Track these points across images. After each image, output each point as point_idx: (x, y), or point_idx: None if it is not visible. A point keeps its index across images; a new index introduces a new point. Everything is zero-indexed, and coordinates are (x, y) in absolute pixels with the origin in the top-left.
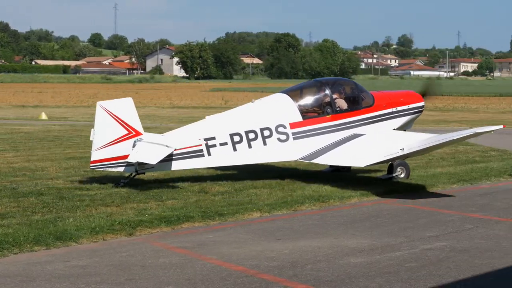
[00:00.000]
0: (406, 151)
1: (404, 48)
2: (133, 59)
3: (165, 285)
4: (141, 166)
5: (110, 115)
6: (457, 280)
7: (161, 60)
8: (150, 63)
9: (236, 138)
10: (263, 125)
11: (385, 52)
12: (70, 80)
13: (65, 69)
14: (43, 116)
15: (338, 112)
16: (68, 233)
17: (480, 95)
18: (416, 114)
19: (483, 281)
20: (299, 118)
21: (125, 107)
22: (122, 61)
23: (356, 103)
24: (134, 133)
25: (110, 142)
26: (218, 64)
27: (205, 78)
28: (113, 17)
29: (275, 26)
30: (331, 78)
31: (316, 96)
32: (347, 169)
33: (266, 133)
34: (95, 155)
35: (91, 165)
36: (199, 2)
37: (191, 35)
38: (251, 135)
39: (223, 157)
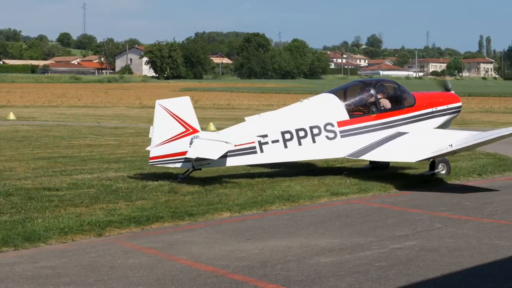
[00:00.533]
0: (454, 147)
1: (373, 48)
2: (102, 59)
3: (134, 285)
4: (198, 162)
5: (169, 113)
6: (427, 279)
7: (130, 59)
8: (119, 63)
9: (287, 136)
10: (312, 123)
11: (354, 52)
12: (38, 80)
13: (33, 69)
14: (11, 116)
15: (382, 112)
16: (36, 233)
17: None
18: (454, 114)
19: (452, 280)
20: (346, 117)
21: (183, 106)
22: (91, 60)
23: (398, 102)
24: (191, 130)
25: (169, 139)
26: (187, 64)
27: (175, 78)
28: (82, 16)
29: (244, 26)
30: (374, 79)
31: (362, 96)
32: (386, 166)
33: (315, 131)
34: (154, 152)
35: (150, 161)
36: (169, 2)
37: (160, 34)
38: (301, 133)
39: (275, 154)
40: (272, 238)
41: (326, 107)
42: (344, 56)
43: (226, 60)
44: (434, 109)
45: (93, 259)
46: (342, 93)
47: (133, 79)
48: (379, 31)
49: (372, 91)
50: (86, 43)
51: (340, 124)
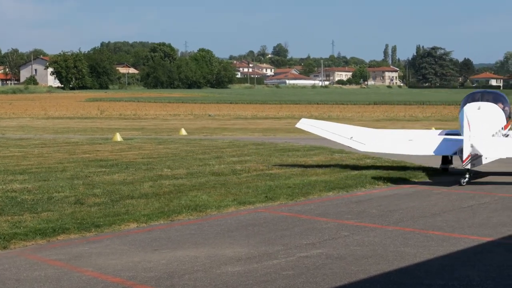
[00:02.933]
0: None
1: (279, 58)
2: (7, 70)
3: None
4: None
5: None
6: (333, 287)
7: (36, 70)
8: (24, 74)
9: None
10: (498, 127)
11: (260, 61)
12: None
13: None
14: None
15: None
16: None
17: (354, 103)
18: None
19: None
20: (505, 121)
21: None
22: None
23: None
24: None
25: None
26: (93, 74)
27: (81, 88)
28: None
29: (150, 35)
30: (496, 90)
31: (505, 104)
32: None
33: (497, 134)
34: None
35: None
36: (74, 12)
37: (65, 45)
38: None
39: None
40: (179, 249)
41: (498, 114)
42: (251, 65)
43: (132, 70)
44: None
45: None
46: (498, 102)
47: (38, 90)
48: (285, 40)
49: (507, 100)
50: None
51: (504, 127)
